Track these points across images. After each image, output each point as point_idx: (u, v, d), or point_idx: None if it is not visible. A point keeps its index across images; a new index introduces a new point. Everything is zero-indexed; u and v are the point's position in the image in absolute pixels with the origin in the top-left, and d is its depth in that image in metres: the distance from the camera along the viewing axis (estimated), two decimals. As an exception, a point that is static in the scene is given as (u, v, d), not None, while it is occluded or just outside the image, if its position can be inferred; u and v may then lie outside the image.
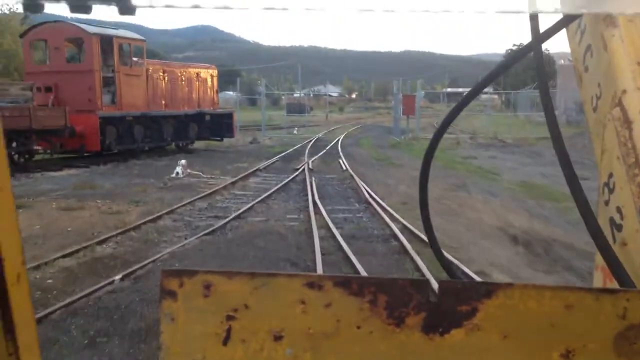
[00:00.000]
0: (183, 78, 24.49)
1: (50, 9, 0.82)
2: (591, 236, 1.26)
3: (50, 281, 7.87)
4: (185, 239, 10.41)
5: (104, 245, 9.73)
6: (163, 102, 23.25)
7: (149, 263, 8.70)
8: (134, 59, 22.06)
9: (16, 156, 18.07)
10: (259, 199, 14.18)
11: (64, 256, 8.82)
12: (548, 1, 1.09)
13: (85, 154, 20.53)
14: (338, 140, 34.68)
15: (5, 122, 15.87)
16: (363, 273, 8.05)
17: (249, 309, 1.01)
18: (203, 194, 14.60)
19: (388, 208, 12.87)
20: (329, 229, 10.99)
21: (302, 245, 9.98)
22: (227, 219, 11.67)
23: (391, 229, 10.96)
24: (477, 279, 7.33)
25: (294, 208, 13.55)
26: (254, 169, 19.92)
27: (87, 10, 0.76)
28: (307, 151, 26.72)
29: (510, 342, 1.00)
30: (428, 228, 1.60)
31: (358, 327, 1.01)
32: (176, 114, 23.87)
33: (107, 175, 17.90)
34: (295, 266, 8.67)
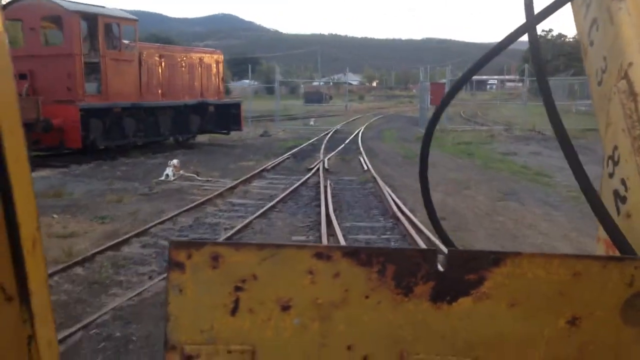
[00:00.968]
0: (183, 64, 21.57)
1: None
2: (592, 209, 1.24)
3: None
4: (150, 278, 7.59)
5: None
6: (159, 91, 20.38)
7: (77, 330, 5.85)
8: (125, 41, 19.19)
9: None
10: (260, 211, 11.30)
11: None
12: None
13: (65, 151, 17.80)
14: (358, 132, 31.61)
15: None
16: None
17: (257, 280, 1.02)
18: (191, 205, 11.74)
19: (422, 227, 9.82)
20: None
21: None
22: (211, 246, 8.78)
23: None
24: None
25: (302, 225, 10.64)
26: (260, 168, 17.01)
27: None
28: (323, 146, 23.72)
29: (518, 310, 1.01)
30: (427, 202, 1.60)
31: (366, 297, 1.02)
32: (175, 105, 20.97)
33: (84, 179, 15.13)
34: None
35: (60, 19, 17.56)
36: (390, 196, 12.78)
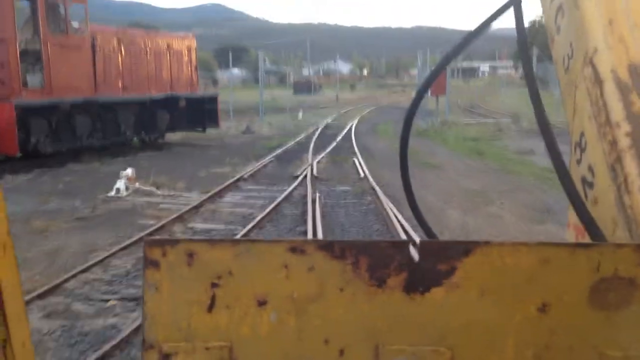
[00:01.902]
0: (148, 51, 18.52)
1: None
2: (567, 195, 1.29)
3: None
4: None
5: None
6: (119, 83, 17.36)
7: None
8: (74, 23, 16.13)
9: None
10: (227, 244, 8.43)
11: None
12: None
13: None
14: (351, 127, 28.80)
15: None
16: None
17: (232, 276, 1.02)
18: (138, 236, 8.89)
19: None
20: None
21: None
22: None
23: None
24: None
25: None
26: (236, 177, 14.13)
27: None
28: (312, 145, 20.84)
29: (489, 298, 1.02)
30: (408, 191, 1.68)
31: (341, 290, 1.03)
32: (138, 99, 17.94)
33: (14, 195, 12.17)
34: None
35: (-11, -4, 14.46)
36: (394, 213, 10.03)
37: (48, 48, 15.00)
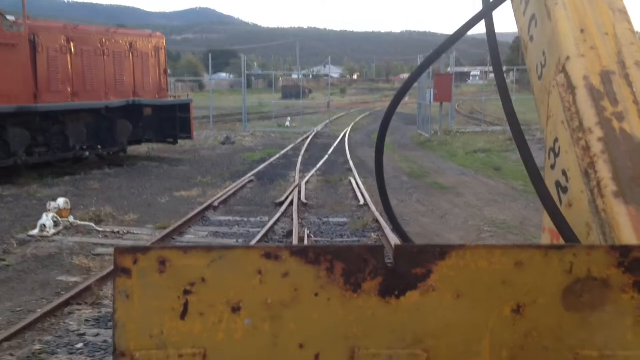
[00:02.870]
0: (106, 51, 15.62)
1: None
2: (540, 199, 1.30)
3: None
4: None
5: None
6: (68, 88, 14.43)
7: None
8: (9, 17, 13.24)
9: None
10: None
11: None
12: None
13: None
14: (344, 136, 25.98)
15: None
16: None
17: (206, 283, 1.00)
18: (52, 306, 6.09)
19: None
20: None
21: None
22: None
23: None
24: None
25: None
26: (205, 204, 11.27)
27: None
28: (300, 159, 17.99)
29: (464, 301, 1.01)
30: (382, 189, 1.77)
31: (316, 295, 1.01)
32: (92, 107, 14.99)
33: None
34: None
35: None
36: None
37: (-29, 46, 12.08)
